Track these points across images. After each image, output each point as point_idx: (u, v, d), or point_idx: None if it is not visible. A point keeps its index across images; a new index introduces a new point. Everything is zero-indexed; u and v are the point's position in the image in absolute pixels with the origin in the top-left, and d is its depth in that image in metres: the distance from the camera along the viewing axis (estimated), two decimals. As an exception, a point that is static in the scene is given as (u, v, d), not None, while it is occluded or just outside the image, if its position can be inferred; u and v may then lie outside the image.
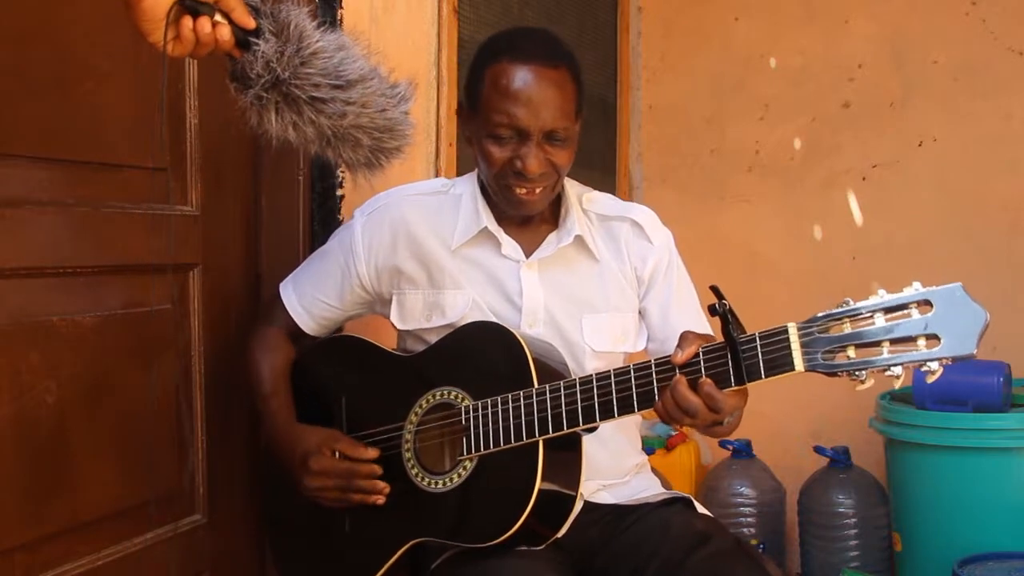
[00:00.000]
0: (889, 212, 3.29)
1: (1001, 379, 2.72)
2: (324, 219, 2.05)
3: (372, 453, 1.62)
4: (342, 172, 2.07)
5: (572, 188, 1.79)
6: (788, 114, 3.43)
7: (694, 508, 1.71)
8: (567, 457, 1.53)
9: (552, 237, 1.74)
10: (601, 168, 3.46)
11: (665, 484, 1.86)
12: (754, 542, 3.14)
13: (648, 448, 2.93)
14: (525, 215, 1.71)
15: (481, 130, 1.66)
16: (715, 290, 1.38)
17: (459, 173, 2.39)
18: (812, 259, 3.40)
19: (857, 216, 3.34)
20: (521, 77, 1.62)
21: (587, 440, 1.55)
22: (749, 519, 3.17)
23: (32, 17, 1.52)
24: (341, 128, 1.34)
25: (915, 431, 2.76)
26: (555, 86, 1.63)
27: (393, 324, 1.77)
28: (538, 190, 1.66)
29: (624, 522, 1.68)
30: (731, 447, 3.23)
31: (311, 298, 1.79)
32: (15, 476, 1.51)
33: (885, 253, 3.27)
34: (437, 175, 2.39)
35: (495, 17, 2.79)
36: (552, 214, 1.76)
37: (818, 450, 3.13)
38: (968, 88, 3.18)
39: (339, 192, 2.07)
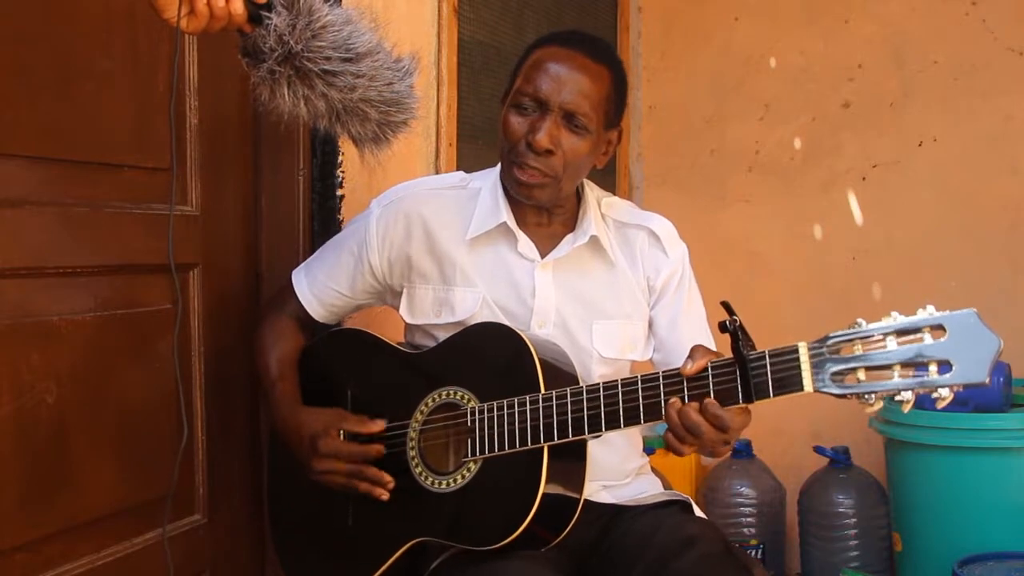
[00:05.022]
0: (889, 212, 3.29)
1: (1001, 379, 2.72)
2: (324, 219, 2.05)
3: (379, 425, 1.62)
4: (342, 172, 2.07)
5: (592, 191, 1.78)
6: (788, 114, 3.43)
7: (691, 511, 1.71)
8: (572, 462, 1.53)
9: (569, 238, 1.73)
10: (601, 168, 3.45)
11: (666, 485, 1.86)
12: (754, 542, 3.14)
13: (648, 448, 2.93)
14: (524, 201, 1.69)
15: (508, 103, 1.67)
16: (726, 306, 1.37)
17: (459, 173, 2.38)
18: (812, 259, 3.40)
19: (857, 216, 3.34)
20: (558, 56, 1.65)
21: (591, 442, 1.55)
22: (749, 519, 3.17)
23: (33, 17, 1.52)
24: (351, 102, 1.35)
25: (915, 431, 2.76)
26: (588, 74, 1.64)
27: (402, 317, 1.77)
28: (539, 176, 1.64)
29: (619, 522, 1.68)
30: (731, 447, 3.23)
31: (323, 286, 1.79)
32: (15, 476, 1.51)
33: (885, 253, 3.27)
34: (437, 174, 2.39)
35: (495, 17, 2.79)
36: (571, 217, 1.76)
37: (818, 450, 3.13)
38: (968, 88, 3.18)
39: (339, 192, 2.07)
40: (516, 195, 1.69)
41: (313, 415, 1.67)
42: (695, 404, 1.39)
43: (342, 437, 1.63)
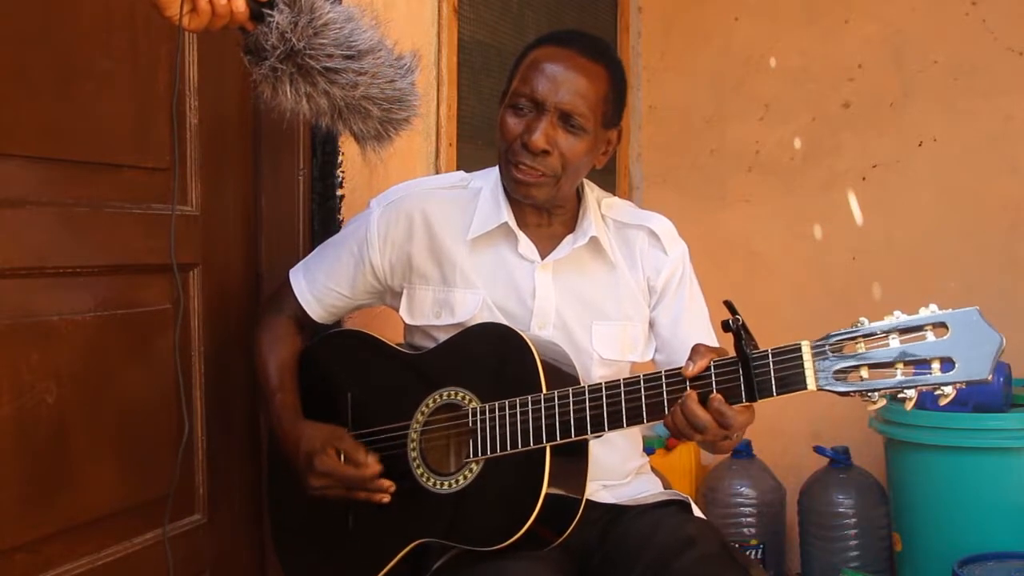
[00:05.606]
0: (889, 212, 3.29)
1: (1001, 379, 2.72)
2: (324, 219, 2.05)
3: (373, 465, 1.59)
4: (342, 172, 2.07)
5: (592, 192, 1.78)
6: (788, 114, 3.43)
7: (690, 511, 1.71)
8: (573, 462, 1.53)
9: (569, 239, 1.72)
10: (601, 168, 3.45)
11: (666, 485, 1.86)
12: (754, 542, 3.14)
13: (648, 448, 2.93)
14: (523, 200, 1.69)
15: (505, 104, 1.67)
16: (729, 305, 1.37)
17: (459, 173, 2.38)
18: (812, 259, 3.40)
19: (857, 216, 3.34)
20: (554, 56, 1.64)
21: (592, 441, 1.55)
22: (749, 519, 3.17)
23: (33, 18, 1.52)
24: (353, 99, 1.36)
25: (915, 431, 2.76)
26: (584, 74, 1.63)
27: (401, 318, 1.77)
28: (536, 175, 1.63)
29: (619, 522, 1.68)
30: (731, 447, 3.23)
31: (322, 286, 1.78)
32: (15, 476, 1.51)
33: (885, 253, 3.27)
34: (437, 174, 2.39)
35: (495, 17, 2.79)
36: (571, 218, 1.75)
37: (818, 450, 3.14)
38: (968, 88, 3.18)
39: (339, 192, 2.07)
40: (515, 194, 1.69)
41: (312, 431, 1.66)
42: (697, 397, 1.40)
43: (341, 457, 1.61)
